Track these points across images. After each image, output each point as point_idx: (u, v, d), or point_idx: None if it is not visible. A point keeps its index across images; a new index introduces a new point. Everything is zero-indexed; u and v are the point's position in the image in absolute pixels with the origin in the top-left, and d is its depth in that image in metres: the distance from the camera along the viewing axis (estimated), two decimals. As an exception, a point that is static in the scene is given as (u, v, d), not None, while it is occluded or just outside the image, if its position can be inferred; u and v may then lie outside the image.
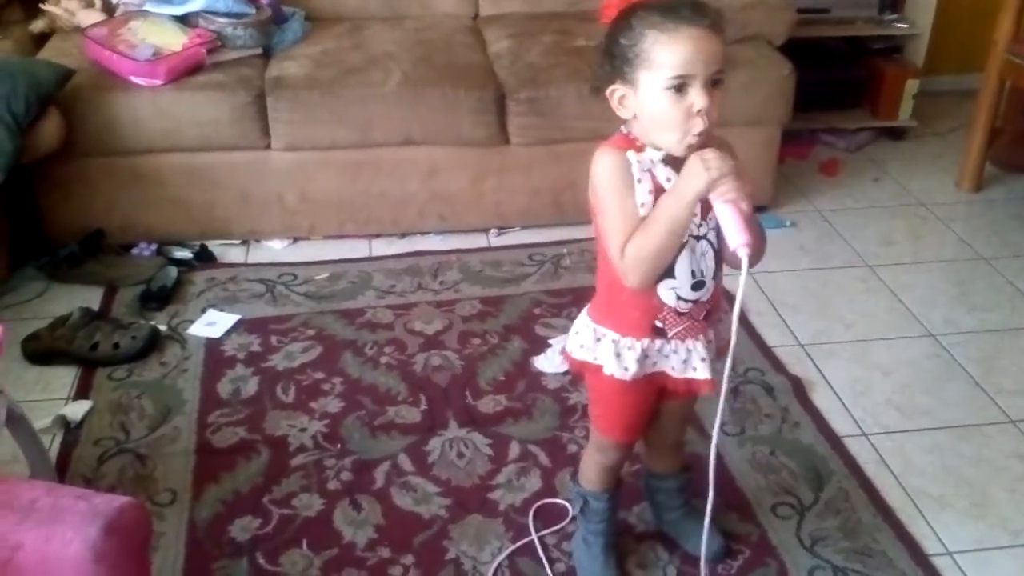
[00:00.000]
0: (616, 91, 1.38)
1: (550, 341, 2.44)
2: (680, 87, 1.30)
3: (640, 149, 1.40)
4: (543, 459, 2.07)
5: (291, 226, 2.87)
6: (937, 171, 3.39)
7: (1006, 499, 2.01)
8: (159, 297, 2.56)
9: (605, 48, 1.37)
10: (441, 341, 2.45)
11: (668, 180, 1.39)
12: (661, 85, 1.31)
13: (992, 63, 3.08)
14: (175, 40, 2.68)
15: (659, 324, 1.49)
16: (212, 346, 2.42)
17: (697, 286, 1.46)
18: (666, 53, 1.29)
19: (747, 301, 2.46)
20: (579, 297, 2.61)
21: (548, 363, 2.36)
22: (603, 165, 1.41)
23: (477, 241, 2.92)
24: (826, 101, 3.49)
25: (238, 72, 2.73)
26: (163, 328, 2.46)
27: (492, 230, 2.96)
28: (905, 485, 2.03)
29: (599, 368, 1.54)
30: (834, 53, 3.59)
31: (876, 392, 2.32)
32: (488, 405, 2.23)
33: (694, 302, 1.47)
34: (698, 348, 1.51)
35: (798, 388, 2.30)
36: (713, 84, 1.31)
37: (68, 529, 1.22)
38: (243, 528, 1.89)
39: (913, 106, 3.54)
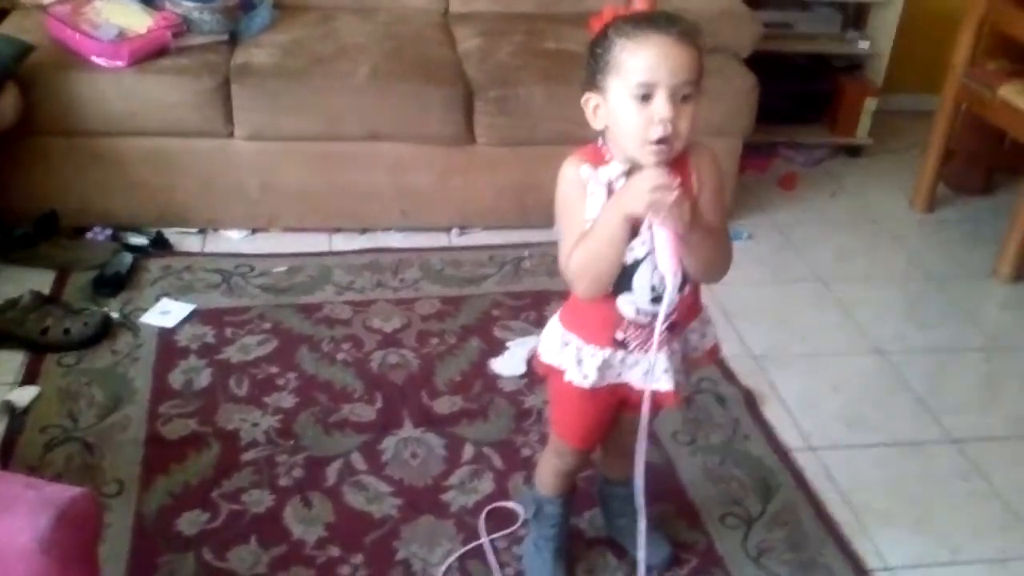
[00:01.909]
0: (590, 100, 1.38)
1: (507, 344, 2.45)
2: (646, 96, 1.30)
3: (605, 162, 1.41)
4: (497, 462, 2.08)
5: (251, 216, 2.84)
6: (892, 189, 3.46)
7: (947, 517, 2.06)
8: (113, 283, 2.51)
9: (587, 55, 1.38)
10: (399, 339, 2.45)
11: None
12: (628, 92, 1.31)
13: (949, 86, 3.15)
14: (140, 22, 2.63)
15: (620, 336, 1.50)
16: (165, 335, 2.39)
17: (658, 299, 1.45)
18: (632, 59, 1.30)
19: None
20: (538, 300, 2.63)
21: (505, 366, 2.36)
22: (562, 175, 1.42)
23: (438, 240, 2.92)
24: (786, 115, 3.54)
25: (203, 57, 2.69)
26: (115, 315, 2.42)
27: (454, 230, 2.96)
28: (850, 499, 2.07)
29: (562, 373, 1.54)
30: (796, 68, 3.64)
31: (825, 406, 2.36)
32: (444, 406, 2.23)
33: (655, 315, 1.48)
34: (661, 359, 1.51)
35: (749, 400, 2.33)
36: (683, 99, 1.31)
37: (17, 519, 1.19)
38: (191, 522, 1.87)
39: (871, 124, 3.60)
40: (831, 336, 2.64)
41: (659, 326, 1.38)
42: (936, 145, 3.23)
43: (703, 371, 2.38)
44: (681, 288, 1.46)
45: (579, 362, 1.52)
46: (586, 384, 1.52)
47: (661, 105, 1.30)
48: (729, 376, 2.41)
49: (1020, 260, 2.91)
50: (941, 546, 1.98)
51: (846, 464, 2.17)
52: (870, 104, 3.55)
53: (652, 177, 1.29)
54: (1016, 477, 2.17)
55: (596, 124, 1.40)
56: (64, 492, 1.24)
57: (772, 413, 2.31)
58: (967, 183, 3.42)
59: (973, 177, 3.42)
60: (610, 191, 1.39)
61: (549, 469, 1.76)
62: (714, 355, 1.69)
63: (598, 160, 1.41)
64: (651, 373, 1.51)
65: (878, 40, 3.56)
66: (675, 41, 1.30)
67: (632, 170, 1.38)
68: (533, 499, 1.81)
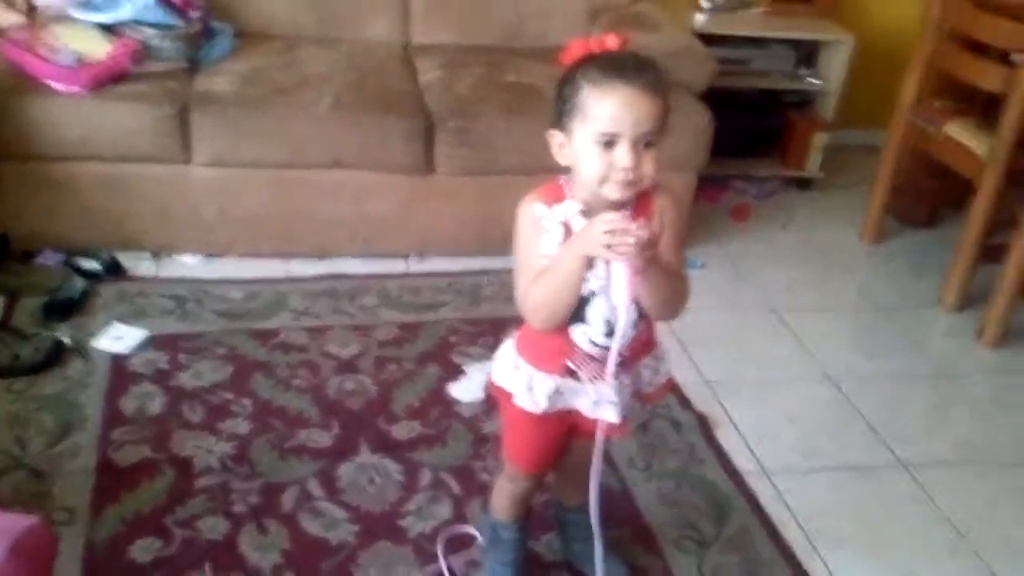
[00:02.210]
0: (555, 137, 1.40)
1: (464, 368, 2.45)
2: (608, 143, 1.32)
3: (562, 200, 1.42)
4: (454, 487, 2.08)
5: (207, 242, 2.82)
6: (841, 222, 3.54)
7: (900, 541, 2.10)
8: (64, 308, 2.48)
9: (555, 94, 1.39)
10: (356, 365, 2.44)
11: None
12: (591, 139, 1.33)
13: (896, 124, 3.24)
14: (99, 48, 2.62)
15: (571, 365, 1.51)
16: (117, 361, 2.36)
17: (612, 333, 1.45)
18: (597, 108, 1.32)
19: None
20: (496, 326, 2.64)
21: (463, 391, 2.37)
22: (520, 213, 1.44)
23: (396, 267, 2.92)
24: (739, 149, 3.61)
25: (162, 84, 2.68)
26: (67, 341, 2.38)
27: (412, 256, 2.96)
28: (803, 524, 2.10)
29: (512, 397, 1.55)
30: (749, 103, 3.71)
31: (778, 432, 2.39)
32: (402, 431, 2.23)
33: (608, 347, 1.47)
34: (608, 391, 1.50)
35: (704, 425, 2.36)
36: (646, 145, 1.33)
37: (-33, 548, 1.17)
38: (144, 549, 1.84)
39: (821, 158, 3.69)
40: (784, 364, 2.68)
41: (612, 359, 1.40)
42: (884, 180, 3.33)
43: (659, 398, 2.42)
44: (636, 324, 1.47)
45: (529, 388, 1.53)
46: (537, 410, 1.53)
47: (623, 155, 1.32)
48: (684, 402, 2.43)
49: (964, 290, 2.99)
50: (894, 571, 2.01)
51: (800, 489, 2.20)
52: (820, 139, 3.64)
53: (608, 222, 1.30)
54: (965, 501, 2.22)
55: (561, 161, 1.42)
56: (18, 522, 1.22)
57: (726, 439, 2.34)
58: (913, 216, 3.52)
59: (919, 211, 3.52)
60: (567, 229, 1.41)
61: (503, 494, 1.77)
62: (666, 391, 1.72)
63: (556, 198, 1.42)
64: (599, 403, 1.52)
65: (829, 78, 3.66)
66: (640, 92, 1.31)
67: (589, 208, 1.40)
68: (489, 524, 1.81)
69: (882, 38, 3.80)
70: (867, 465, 2.32)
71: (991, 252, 2.95)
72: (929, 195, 3.49)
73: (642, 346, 1.56)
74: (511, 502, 1.76)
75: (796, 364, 2.69)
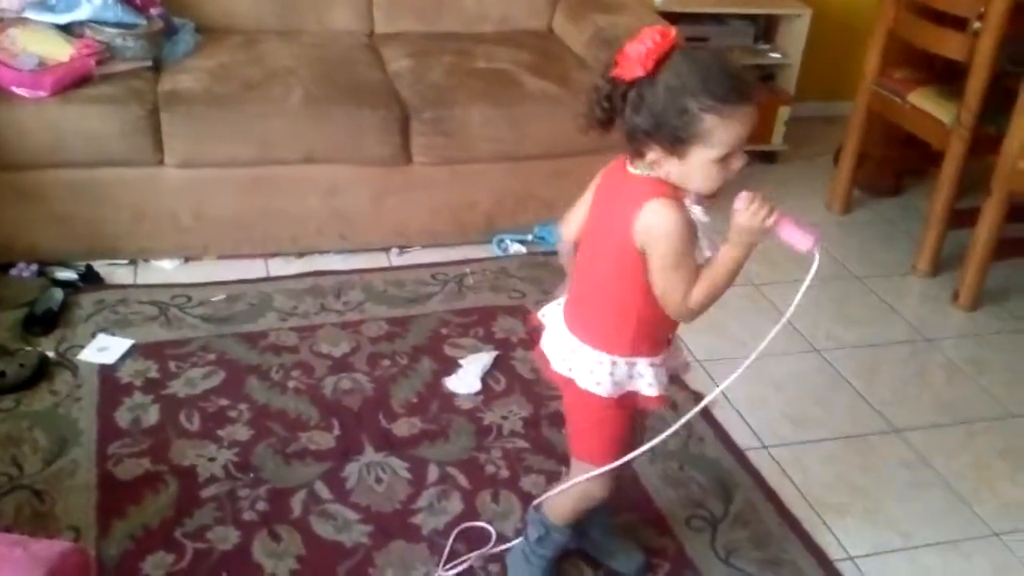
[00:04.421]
0: (652, 152, 1.40)
1: (460, 362, 2.44)
2: (727, 156, 1.39)
3: (679, 196, 1.44)
4: (462, 481, 2.08)
5: (184, 245, 2.77)
6: (808, 194, 3.59)
7: (895, 504, 2.15)
8: (45, 321, 2.41)
9: (652, 113, 1.37)
10: (350, 363, 2.42)
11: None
12: (713, 158, 1.38)
13: (861, 94, 3.30)
14: (60, 50, 2.54)
15: (670, 335, 1.61)
16: (106, 373, 2.30)
17: None
18: (724, 132, 1.36)
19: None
20: (485, 316, 2.64)
21: (460, 384, 2.36)
22: (674, 218, 1.42)
23: (378, 260, 2.89)
24: (704, 125, 3.63)
25: (128, 85, 2.61)
26: (51, 354, 2.32)
27: (393, 249, 2.94)
28: (806, 495, 2.14)
29: (633, 395, 1.58)
30: (712, 79, 3.74)
31: (771, 405, 2.44)
32: (403, 428, 2.22)
33: None
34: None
35: (699, 403, 2.38)
36: None
37: (4, 579, 1.14)
38: (156, 564, 1.81)
39: (784, 131, 3.74)
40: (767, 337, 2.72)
41: (800, 294, 1.56)
42: (850, 150, 3.38)
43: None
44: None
45: (656, 378, 1.58)
46: (663, 392, 1.60)
47: (740, 160, 1.41)
48: (677, 380, 2.44)
49: (936, 256, 3.06)
50: (894, 533, 2.07)
51: (797, 461, 2.25)
52: (783, 112, 3.68)
53: (746, 206, 1.42)
54: (955, 462, 2.29)
55: (653, 173, 1.43)
56: (52, 548, 1.19)
57: (722, 415, 2.37)
58: (878, 185, 3.59)
59: (884, 180, 3.59)
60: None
61: (573, 506, 1.74)
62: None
63: (677, 197, 1.44)
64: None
65: (788, 51, 3.70)
66: (755, 109, 1.38)
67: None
68: (541, 523, 1.77)
69: (838, 10, 3.85)
70: (858, 432, 2.37)
71: (959, 217, 3.03)
72: (894, 164, 3.56)
73: None
74: (578, 513, 1.75)
75: (780, 336, 2.71)
